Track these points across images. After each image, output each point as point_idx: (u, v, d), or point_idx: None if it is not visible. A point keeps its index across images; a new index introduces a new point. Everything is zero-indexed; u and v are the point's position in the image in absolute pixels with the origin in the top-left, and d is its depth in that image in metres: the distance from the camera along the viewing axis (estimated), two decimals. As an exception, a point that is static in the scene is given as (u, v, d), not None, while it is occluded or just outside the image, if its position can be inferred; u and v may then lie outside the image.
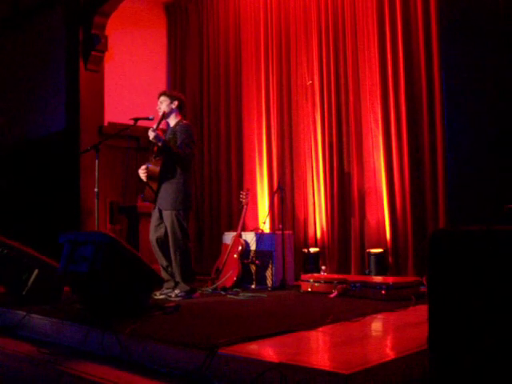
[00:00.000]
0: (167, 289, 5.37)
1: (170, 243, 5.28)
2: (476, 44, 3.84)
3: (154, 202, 5.38)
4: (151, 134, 5.18)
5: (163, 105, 5.45)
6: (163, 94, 5.53)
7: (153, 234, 5.42)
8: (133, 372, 3.17)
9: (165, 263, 5.40)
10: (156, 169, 5.27)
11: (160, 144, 5.18)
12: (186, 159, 5.29)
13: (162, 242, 5.37)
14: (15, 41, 9.15)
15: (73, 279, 4.34)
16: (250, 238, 6.28)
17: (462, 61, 3.93)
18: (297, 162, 7.11)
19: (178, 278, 5.29)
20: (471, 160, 3.92)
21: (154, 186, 5.32)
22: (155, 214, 5.42)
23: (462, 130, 3.97)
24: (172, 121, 5.50)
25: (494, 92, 3.77)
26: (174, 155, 5.22)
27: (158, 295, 5.27)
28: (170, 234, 5.28)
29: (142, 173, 5.37)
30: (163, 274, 5.39)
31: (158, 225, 5.39)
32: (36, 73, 8.63)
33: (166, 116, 5.44)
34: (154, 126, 5.26)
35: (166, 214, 5.30)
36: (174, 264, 5.29)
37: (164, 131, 5.55)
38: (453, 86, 4.01)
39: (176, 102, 5.46)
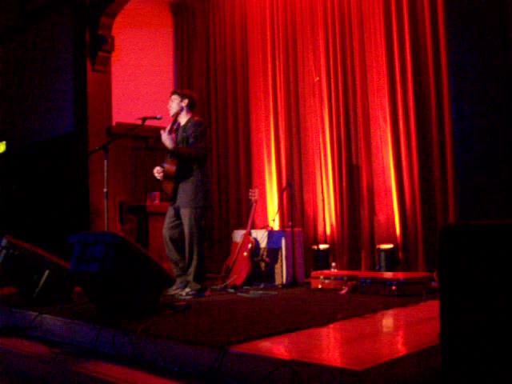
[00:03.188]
0: (181, 282, 5.36)
1: (187, 241, 5.27)
2: (484, 38, 3.82)
3: (171, 199, 5.40)
4: (163, 137, 5.19)
5: (174, 103, 5.47)
6: (174, 92, 5.56)
7: (166, 230, 5.42)
8: (145, 371, 3.19)
9: (176, 258, 5.39)
10: (172, 168, 5.27)
11: (171, 148, 5.19)
12: (199, 155, 5.28)
13: (176, 241, 5.39)
14: (23, 44, 9.19)
15: (83, 279, 4.35)
16: (259, 235, 6.28)
17: (470, 54, 3.91)
18: (305, 159, 7.10)
19: (190, 277, 5.29)
20: (481, 154, 3.90)
21: (170, 185, 5.33)
22: (170, 212, 5.42)
23: (470, 123, 3.94)
24: (183, 119, 5.50)
25: (503, 85, 3.74)
26: (185, 157, 5.23)
27: (172, 291, 5.26)
28: (187, 232, 5.27)
29: (157, 172, 5.40)
30: (174, 270, 5.39)
31: (173, 222, 5.38)
32: (44, 74, 8.66)
33: (177, 116, 5.46)
34: (168, 128, 5.28)
35: (185, 212, 5.29)
36: (188, 262, 5.29)
37: (176, 130, 5.53)
38: (461, 80, 3.99)
39: (186, 100, 5.47)
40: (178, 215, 5.37)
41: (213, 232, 8.03)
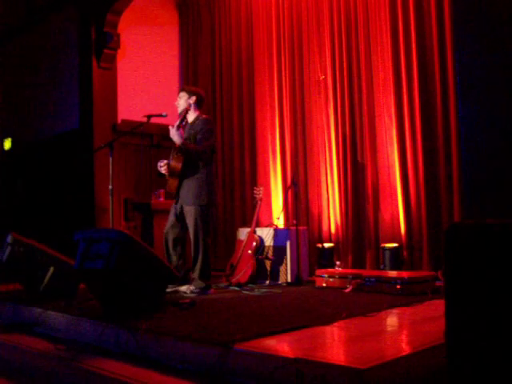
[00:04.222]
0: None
1: (192, 239, 5.24)
2: (491, 33, 3.80)
3: (175, 197, 5.38)
4: (171, 132, 5.17)
5: (182, 100, 5.46)
6: (182, 89, 5.56)
7: (168, 229, 5.40)
8: (148, 368, 3.19)
9: (174, 260, 5.36)
10: (178, 165, 5.24)
11: (178, 143, 5.16)
12: (205, 153, 5.27)
13: (178, 240, 5.37)
14: (28, 41, 9.21)
15: (88, 276, 4.36)
16: (264, 233, 6.27)
17: (476, 51, 3.89)
18: (310, 157, 7.09)
19: (195, 274, 5.28)
20: (486, 152, 3.88)
21: (175, 182, 5.30)
22: (173, 210, 5.41)
23: (476, 121, 3.93)
24: (190, 116, 5.48)
25: (509, 82, 3.72)
26: (192, 154, 5.21)
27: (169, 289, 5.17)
28: (191, 230, 5.24)
29: (162, 166, 5.37)
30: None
31: (176, 221, 5.37)
32: (50, 72, 8.67)
33: (184, 113, 5.43)
34: (176, 124, 5.25)
35: (189, 210, 5.25)
36: (193, 260, 5.27)
37: (184, 127, 5.50)
38: (467, 78, 3.97)
39: (194, 98, 5.45)
40: (182, 213, 5.34)
41: (217, 229, 8.03)
